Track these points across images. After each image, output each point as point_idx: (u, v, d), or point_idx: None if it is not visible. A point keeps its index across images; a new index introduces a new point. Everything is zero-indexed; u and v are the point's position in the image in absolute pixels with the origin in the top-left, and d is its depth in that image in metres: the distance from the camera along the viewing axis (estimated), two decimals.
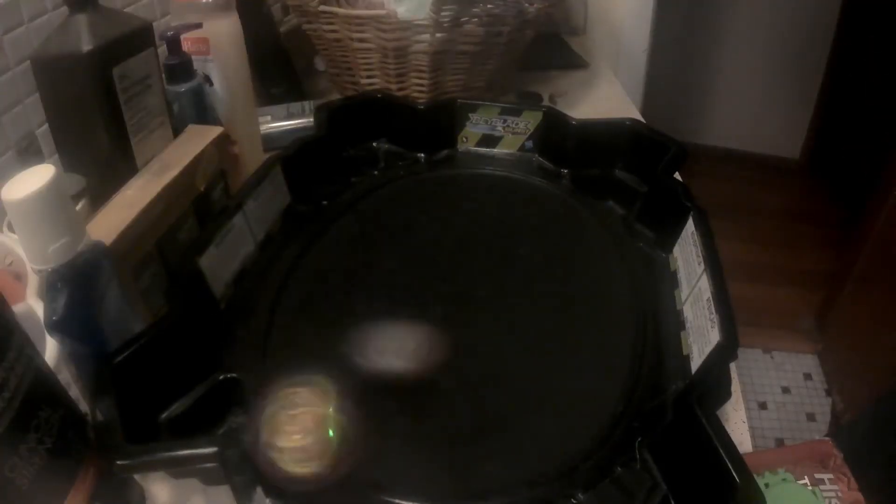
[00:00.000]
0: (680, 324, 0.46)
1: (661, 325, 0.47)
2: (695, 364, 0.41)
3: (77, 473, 0.34)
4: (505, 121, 0.65)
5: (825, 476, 0.40)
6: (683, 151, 0.56)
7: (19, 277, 0.44)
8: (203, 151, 0.53)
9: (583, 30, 1.22)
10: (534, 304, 0.51)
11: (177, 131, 0.56)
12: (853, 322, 1.57)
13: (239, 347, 0.45)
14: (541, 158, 0.65)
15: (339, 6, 0.78)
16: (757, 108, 2.37)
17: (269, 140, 0.73)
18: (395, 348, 0.47)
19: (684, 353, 0.44)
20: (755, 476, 0.31)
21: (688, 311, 0.46)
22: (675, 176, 0.56)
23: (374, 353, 0.46)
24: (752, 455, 0.42)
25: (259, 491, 0.33)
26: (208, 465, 0.34)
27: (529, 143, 0.65)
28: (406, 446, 0.40)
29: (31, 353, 0.31)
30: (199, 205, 0.53)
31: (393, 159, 0.66)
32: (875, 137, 1.94)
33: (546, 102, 0.91)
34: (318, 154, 0.60)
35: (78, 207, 0.48)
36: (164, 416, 0.40)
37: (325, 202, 0.60)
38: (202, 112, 0.60)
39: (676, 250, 0.51)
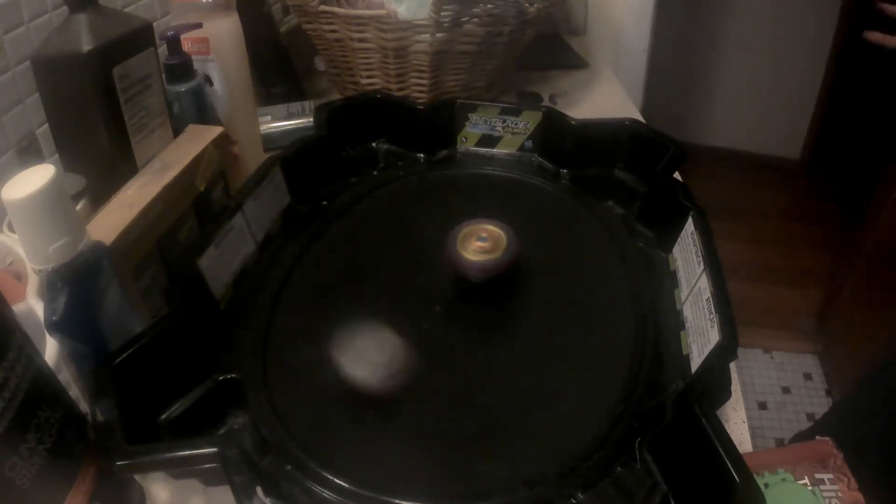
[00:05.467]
0: (680, 324, 0.46)
1: (660, 325, 0.47)
2: (695, 364, 0.41)
3: (77, 473, 0.34)
4: (504, 121, 0.65)
5: (825, 476, 0.40)
6: (683, 151, 0.56)
7: (19, 277, 0.44)
8: (203, 151, 0.53)
9: (583, 30, 1.22)
10: (533, 303, 0.51)
11: (177, 131, 0.56)
12: (853, 322, 1.57)
13: (239, 348, 0.45)
14: (540, 158, 0.65)
15: (339, 6, 0.78)
16: (757, 108, 2.37)
17: (269, 140, 0.73)
18: (395, 348, 0.47)
19: (684, 353, 0.44)
20: (755, 476, 0.31)
21: (687, 311, 0.46)
22: (674, 176, 0.56)
23: (374, 353, 0.46)
24: (752, 455, 0.42)
25: (259, 491, 0.33)
26: (208, 465, 0.34)
27: (529, 143, 0.65)
28: (406, 446, 0.40)
29: (31, 353, 0.31)
30: (199, 205, 0.53)
31: (393, 159, 0.66)
32: (875, 138, 1.94)
33: (546, 102, 0.91)
34: (317, 154, 0.60)
35: (78, 207, 0.48)
36: (164, 416, 0.40)
37: (324, 202, 0.60)
38: (202, 112, 0.60)
39: (676, 250, 0.51)
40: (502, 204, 0.62)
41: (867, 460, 0.45)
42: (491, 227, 0.50)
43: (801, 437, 1.09)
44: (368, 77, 0.81)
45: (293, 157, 0.57)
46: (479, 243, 0.49)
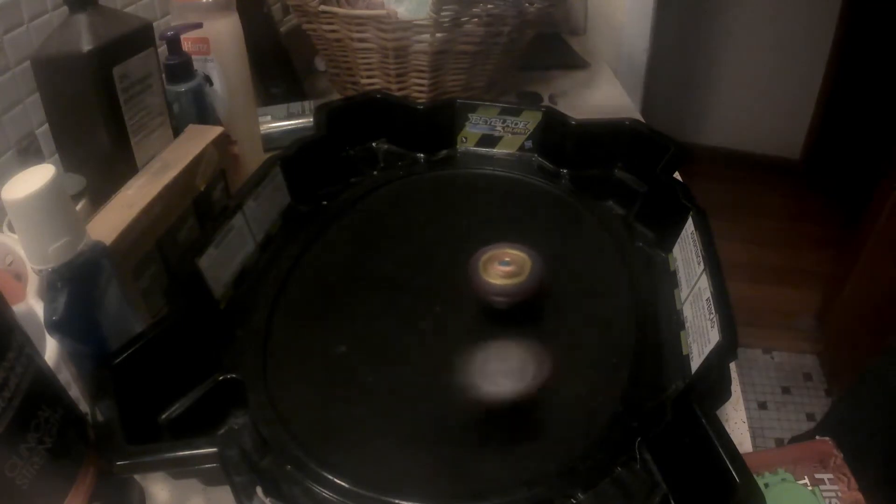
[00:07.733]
0: (680, 324, 0.46)
1: (660, 325, 0.47)
2: (694, 364, 0.41)
3: (77, 473, 0.34)
4: (504, 121, 0.65)
5: (825, 476, 0.40)
6: (683, 152, 0.56)
7: (19, 277, 0.44)
8: (203, 151, 0.53)
9: (583, 30, 1.22)
10: (533, 304, 0.51)
11: (177, 131, 0.57)
12: (853, 322, 1.57)
13: (239, 347, 0.45)
14: (540, 158, 0.65)
15: (339, 6, 0.78)
16: (757, 108, 2.37)
17: (269, 140, 0.73)
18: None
19: (684, 352, 0.44)
20: (755, 476, 0.31)
21: (687, 311, 0.46)
22: (674, 176, 0.56)
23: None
24: (752, 455, 0.42)
25: (259, 491, 0.33)
26: (208, 465, 0.34)
27: (529, 143, 0.65)
28: (406, 446, 0.40)
29: (31, 353, 0.31)
30: (199, 205, 0.53)
31: (392, 159, 0.66)
32: (875, 137, 1.94)
33: (546, 102, 0.91)
34: (317, 154, 0.60)
35: (78, 207, 0.48)
36: (164, 416, 0.40)
37: (324, 202, 0.60)
38: (202, 112, 0.60)
39: (676, 250, 0.51)
40: (502, 204, 0.62)
41: (867, 460, 0.45)
42: (514, 252, 0.48)
43: (800, 439, 1.09)
44: (368, 77, 0.81)
45: (293, 157, 0.57)
46: (502, 268, 0.47)
